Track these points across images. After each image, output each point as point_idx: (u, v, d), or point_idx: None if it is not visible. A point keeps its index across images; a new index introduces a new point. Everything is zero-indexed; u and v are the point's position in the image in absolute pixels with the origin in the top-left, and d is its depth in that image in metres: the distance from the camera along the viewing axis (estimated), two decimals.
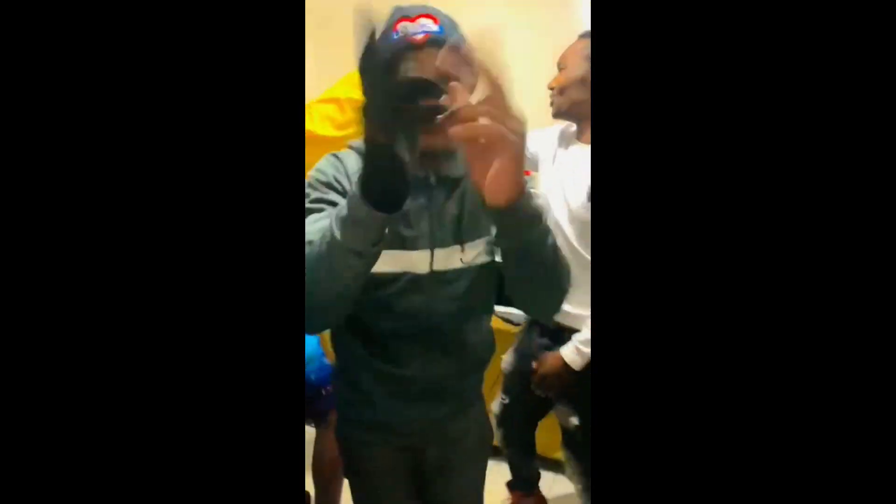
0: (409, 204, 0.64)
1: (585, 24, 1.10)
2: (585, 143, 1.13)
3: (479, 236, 0.71)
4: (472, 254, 0.70)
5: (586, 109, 1.08)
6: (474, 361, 0.80)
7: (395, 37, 0.62)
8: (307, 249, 0.58)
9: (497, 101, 0.47)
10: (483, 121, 0.47)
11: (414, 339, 0.73)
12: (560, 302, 0.67)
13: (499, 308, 1.62)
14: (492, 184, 0.49)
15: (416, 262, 0.69)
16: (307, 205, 0.66)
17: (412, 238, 0.69)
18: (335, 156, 0.72)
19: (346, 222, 0.53)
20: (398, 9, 0.66)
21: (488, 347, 0.81)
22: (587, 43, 1.09)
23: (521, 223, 0.55)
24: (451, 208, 0.70)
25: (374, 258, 0.57)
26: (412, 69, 0.61)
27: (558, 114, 1.16)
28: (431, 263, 0.69)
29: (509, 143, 0.47)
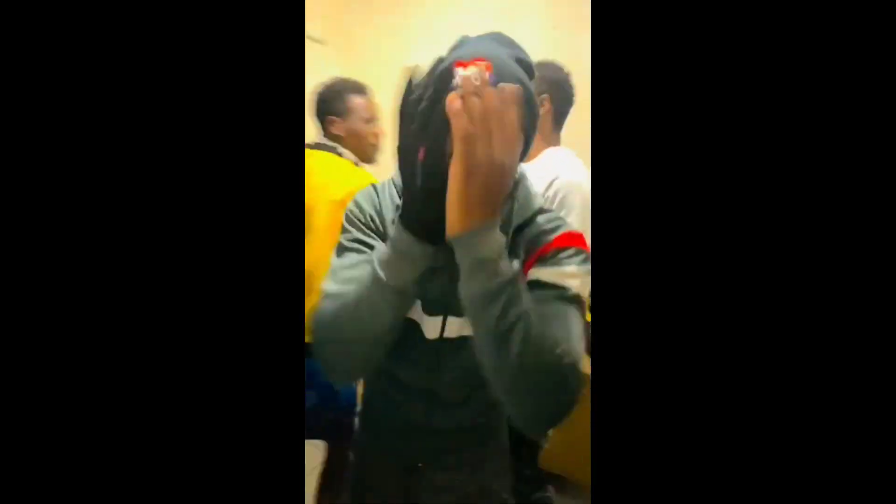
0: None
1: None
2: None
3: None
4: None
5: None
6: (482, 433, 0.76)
7: (452, 83, 0.56)
8: (343, 290, 0.59)
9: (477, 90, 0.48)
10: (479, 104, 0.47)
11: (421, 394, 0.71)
12: (557, 415, 0.55)
13: None
14: (456, 201, 0.49)
15: (425, 327, 0.66)
16: (344, 242, 0.66)
17: (427, 301, 0.66)
18: (374, 188, 0.72)
19: (389, 258, 0.54)
20: (461, 43, 0.64)
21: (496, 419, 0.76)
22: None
23: (481, 264, 0.50)
24: None
25: (413, 299, 0.58)
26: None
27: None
28: (443, 328, 0.66)
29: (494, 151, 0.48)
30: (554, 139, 1.27)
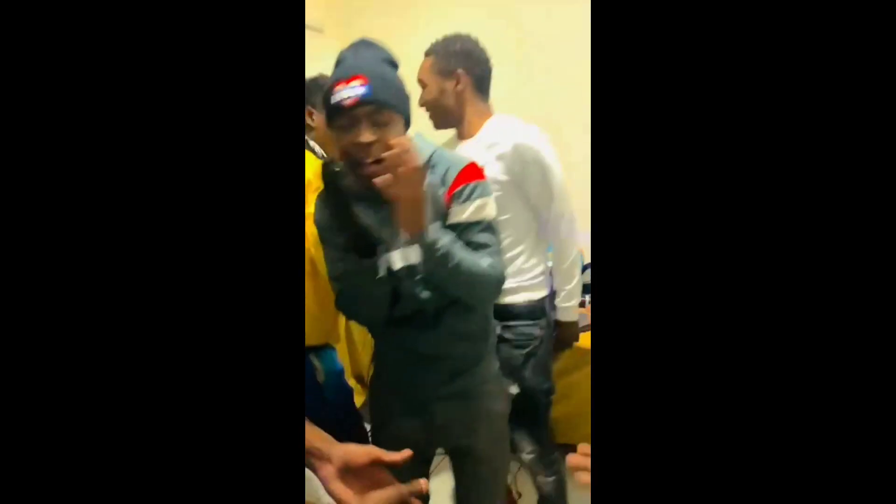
0: (375, 216, 0.87)
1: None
2: (463, 139, 1.30)
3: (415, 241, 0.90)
4: (414, 255, 0.89)
5: (458, 115, 1.28)
6: (459, 334, 0.95)
7: (332, 100, 0.82)
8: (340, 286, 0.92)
9: (399, 162, 0.74)
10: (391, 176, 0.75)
11: (412, 316, 0.92)
12: (481, 291, 0.91)
13: None
14: (401, 221, 0.79)
15: (379, 265, 0.88)
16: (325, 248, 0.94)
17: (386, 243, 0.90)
18: (322, 203, 0.93)
19: (355, 274, 0.86)
20: (339, 65, 0.87)
21: (470, 326, 0.96)
22: (433, 59, 1.27)
23: (429, 248, 0.81)
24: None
25: (378, 281, 0.86)
26: (348, 127, 0.82)
27: (438, 126, 1.33)
28: (389, 264, 0.89)
29: (406, 192, 0.77)
30: (484, 108, 1.29)
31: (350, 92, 0.80)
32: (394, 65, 0.88)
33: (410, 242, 0.83)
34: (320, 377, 1.22)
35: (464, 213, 0.87)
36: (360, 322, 1.03)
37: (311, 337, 1.19)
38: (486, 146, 1.21)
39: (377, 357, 1.08)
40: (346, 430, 1.31)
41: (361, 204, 0.87)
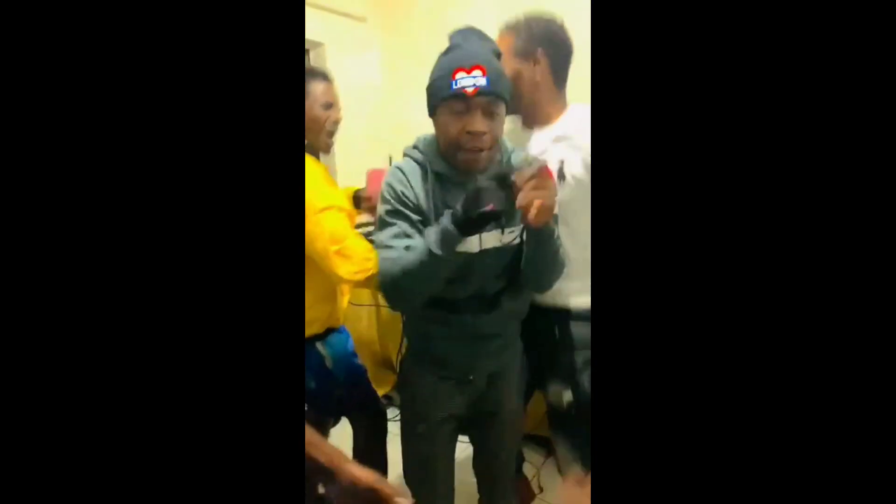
0: (460, 198, 0.89)
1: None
2: (531, 127, 1.22)
3: (513, 225, 0.95)
4: (509, 238, 0.96)
5: (530, 100, 1.19)
6: (512, 314, 1.05)
7: (454, 86, 0.86)
8: (392, 255, 0.89)
9: (542, 184, 0.79)
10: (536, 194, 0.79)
11: (469, 299, 0.98)
12: (554, 281, 1.01)
13: None
14: (534, 218, 0.81)
15: (469, 243, 0.92)
16: (383, 216, 0.93)
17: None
18: (399, 169, 0.95)
19: (443, 242, 0.84)
20: (453, 51, 0.90)
21: (522, 306, 1.07)
22: (513, 39, 1.16)
23: (545, 233, 0.90)
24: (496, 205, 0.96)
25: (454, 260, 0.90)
26: (464, 113, 0.87)
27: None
28: (480, 243, 0.93)
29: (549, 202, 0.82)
30: (559, 96, 1.19)
31: (472, 81, 0.85)
32: (499, 56, 0.92)
33: (506, 225, 0.92)
34: (329, 363, 1.24)
35: None
36: (407, 301, 0.97)
37: (312, 326, 1.21)
38: (560, 137, 1.13)
39: (415, 337, 1.09)
40: (361, 405, 1.35)
41: (448, 185, 0.93)
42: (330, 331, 1.26)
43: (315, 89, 1.20)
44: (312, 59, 2.15)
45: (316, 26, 2.07)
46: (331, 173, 1.24)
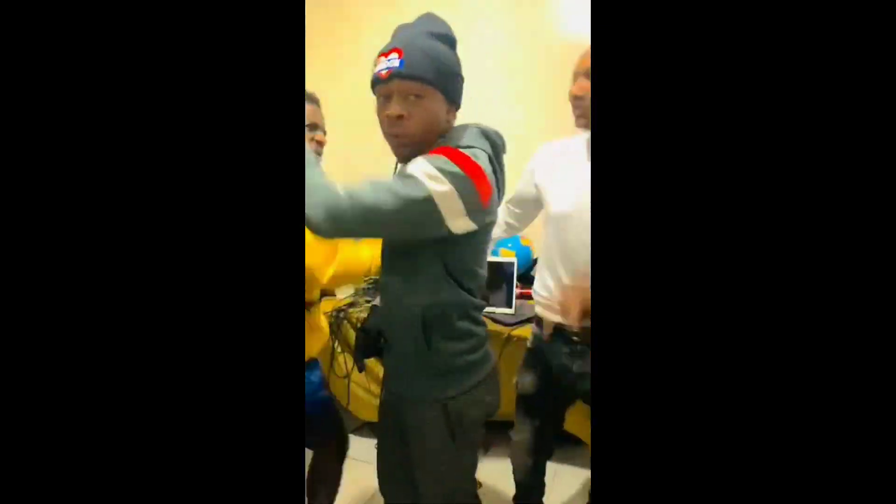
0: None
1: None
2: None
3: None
4: None
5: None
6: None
7: (373, 71, 0.85)
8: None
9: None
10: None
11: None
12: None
13: (487, 308, 1.68)
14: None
15: None
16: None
17: None
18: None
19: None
20: (394, 32, 0.88)
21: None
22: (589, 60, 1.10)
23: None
24: None
25: None
26: (385, 98, 0.84)
27: (579, 125, 1.15)
28: None
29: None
30: None
31: (386, 64, 0.83)
32: (443, 39, 0.87)
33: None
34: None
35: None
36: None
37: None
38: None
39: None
40: (326, 434, 1.36)
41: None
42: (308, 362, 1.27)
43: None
44: None
45: None
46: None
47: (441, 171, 0.76)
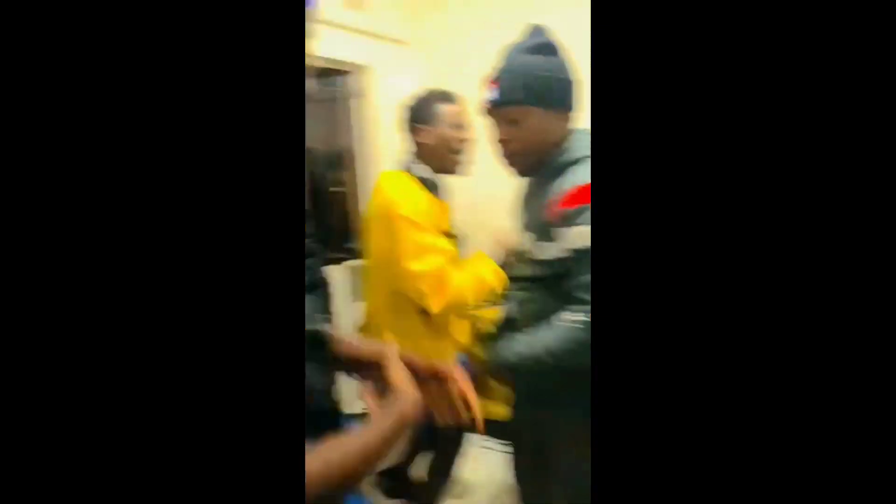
0: None
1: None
2: None
3: None
4: None
5: None
6: None
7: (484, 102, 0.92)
8: None
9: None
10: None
11: None
12: None
13: None
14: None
15: None
16: None
17: None
18: None
19: None
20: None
21: None
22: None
23: None
24: None
25: None
26: (491, 126, 0.91)
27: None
28: None
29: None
30: None
31: (486, 96, 0.89)
32: (541, 49, 0.87)
33: None
34: None
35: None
36: None
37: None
38: None
39: None
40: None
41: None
42: None
43: (442, 111, 1.29)
44: (356, 82, 2.21)
45: (360, 50, 2.13)
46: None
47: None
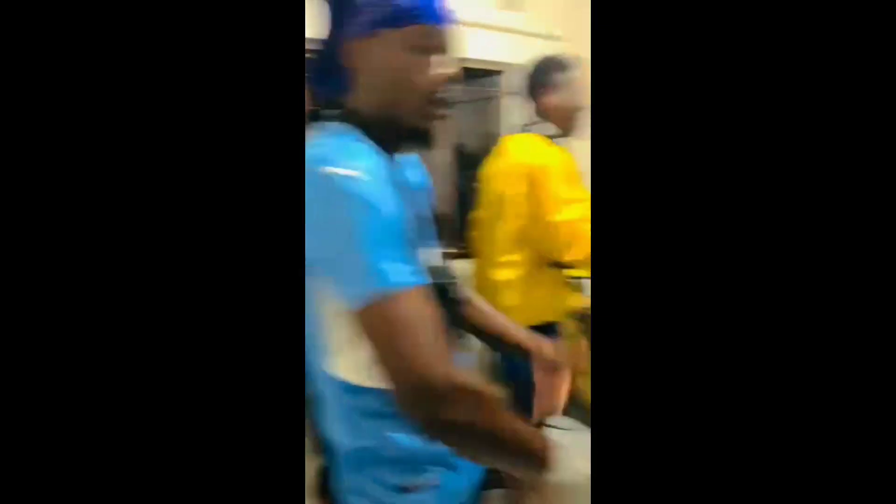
0: None
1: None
2: None
3: None
4: None
5: None
6: None
7: None
8: None
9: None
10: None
11: None
12: None
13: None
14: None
15: None
16: None
17: None
18: None
19: None
20: None
21: None
22: None
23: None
24: None
25: None
26: None
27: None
28: None
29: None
30: None
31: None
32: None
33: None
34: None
35: None
36: None
37: (545, 313, 1.30)
38: None
39: None
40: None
41: None
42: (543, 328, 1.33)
43: (559, 79, 1.39)
44: (509, 80, 2.25)
45: (511, 48, 2.17)
46: None
47: None
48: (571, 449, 0.60)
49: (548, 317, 1.32)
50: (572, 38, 2.32)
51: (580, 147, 1.38)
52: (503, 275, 1.33)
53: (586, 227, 1.23)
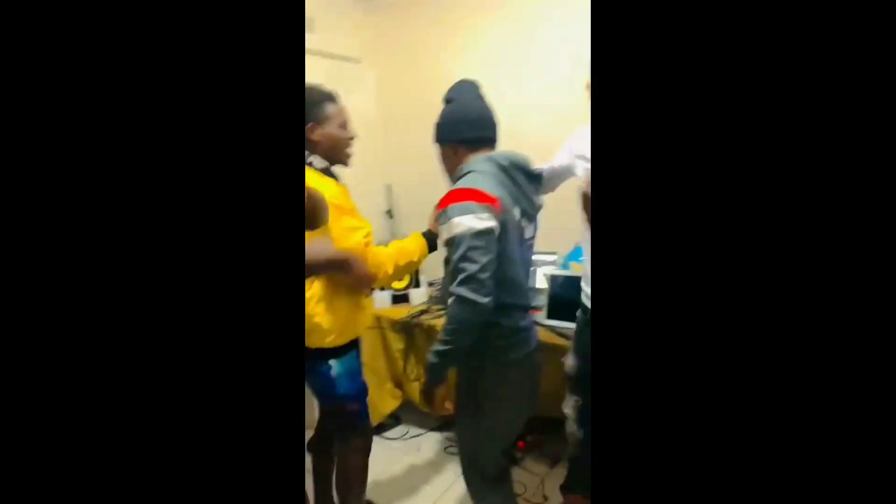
0: None
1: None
2: None
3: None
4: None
5: None
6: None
7: None
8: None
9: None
10: None
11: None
12: None
13: (550, 321, 1.75)
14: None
15: None
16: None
17: None
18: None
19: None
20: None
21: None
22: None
23: None
24: None
25: None
26: None
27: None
28: None
29: None
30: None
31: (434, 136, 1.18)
32: (447, 101, 1.17)
33: None
34: (335, 378, 1.32)
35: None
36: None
37: (342, 336, 1.30)
38: (581, 156, 1.26)
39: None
40: (353, 424, 1.39)
41: None
42: (352, 343, 1.34)
43: (330, 111, 1.31)
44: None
45: (313, 68, 2.19)
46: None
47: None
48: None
49: (354, 333, 1.35)
50: (366, 59, 2.43)
51: (346, 174, 1.37)
52: (317, 296, 1.30)
53: (378, 249, 1.32)
